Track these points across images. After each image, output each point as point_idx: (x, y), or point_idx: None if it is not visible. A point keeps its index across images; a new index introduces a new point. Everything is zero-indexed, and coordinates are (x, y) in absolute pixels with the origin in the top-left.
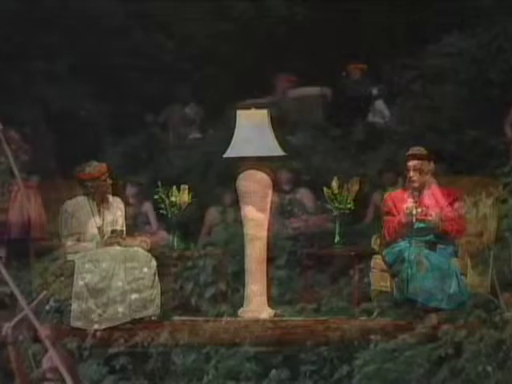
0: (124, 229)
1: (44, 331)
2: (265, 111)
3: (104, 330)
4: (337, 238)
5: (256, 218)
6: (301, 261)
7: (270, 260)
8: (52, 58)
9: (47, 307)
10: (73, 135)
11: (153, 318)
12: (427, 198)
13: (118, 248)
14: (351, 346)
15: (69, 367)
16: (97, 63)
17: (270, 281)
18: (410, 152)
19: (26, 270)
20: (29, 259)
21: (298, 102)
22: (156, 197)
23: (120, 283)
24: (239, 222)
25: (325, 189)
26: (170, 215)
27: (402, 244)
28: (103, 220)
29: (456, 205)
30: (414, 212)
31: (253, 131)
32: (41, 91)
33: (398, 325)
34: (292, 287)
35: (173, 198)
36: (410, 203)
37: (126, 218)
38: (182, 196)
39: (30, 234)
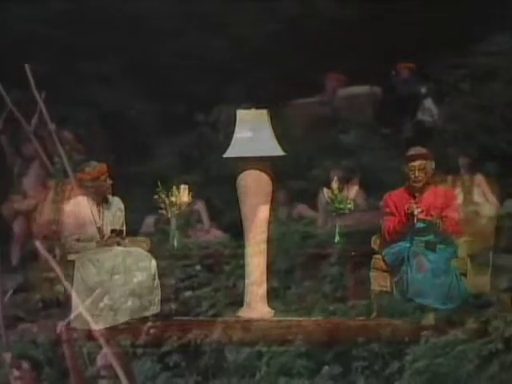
0: (124, 229)
1: (98, 329)
2: (265, 111)
3: (157, 327)
4: (337, 238)
5: (256, 218)
6: (351, 258)
7: (323, 257)
8: (104, 58)
9: (101, 305)
10: (125, 135)
11: (152, 318)
12: (428, 198)
13: (117, 248)
14: (402, 342)
15: (123, 365)
16: (148, 64)
17: (269, 280)
18: (413, 152)
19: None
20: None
21: (347, 100)
22: (156, 197)
23: (120, 283)
24: (291, 219)
25: (325, 189)
26: (169, 215)
27: (402, 244)
28: (103, 220)
29: (454, 205)
30: (415, 212)
31: (253, 131)
32: (93, 92)
33: (449, 320)
34: (343, 284)
35: (173, 198)
36: (410, 203)
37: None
38: (181, 196)
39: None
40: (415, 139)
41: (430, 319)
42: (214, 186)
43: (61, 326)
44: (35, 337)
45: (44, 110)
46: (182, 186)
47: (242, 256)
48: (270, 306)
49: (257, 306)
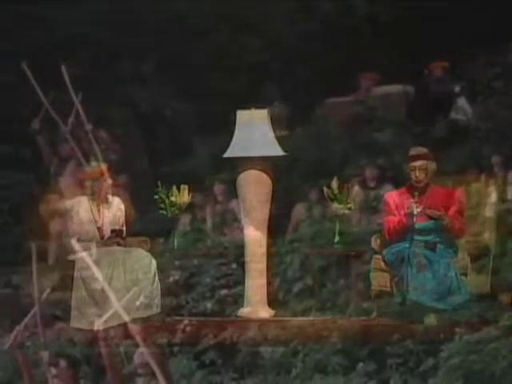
0: (124, 229)
1: (135, 327)
2: (265, 111)
3: (193, 325)
4: (337, 238)
5: (256, 218)
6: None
7: (357, 255)
8: (140, 59)
9: (137, 303)
10: (160, 135)
11: (152, 318)
12: (429, 198)
13: (118, 248)
14: (436, 339)
15: (159, 362)
16: (184, 64)
17: (269, 280)
18: (415, 152)
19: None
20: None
21: (381, 99)
22: (156, 197)
23: (120, 283)
24: (326, 217)
25: (325, 189)
26: (169, 215)
27: (402, 244)
28: (103, 220)
29: (457, 205)
30: (415, 212)
31: (253, 131)
32: (129, 92)
33: (483, 317)
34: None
35: (173, 198)
36: (411, 203)
37: (213, 216)
38: (181, 196)
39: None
40: (448, 138)
41: (431, 319)
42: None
43: (97, 324)
44: (72, 335)
45: (80, 110)
46: (182, 186)
47: (276, 254)
48: (303, 304)
49: (257, 306)
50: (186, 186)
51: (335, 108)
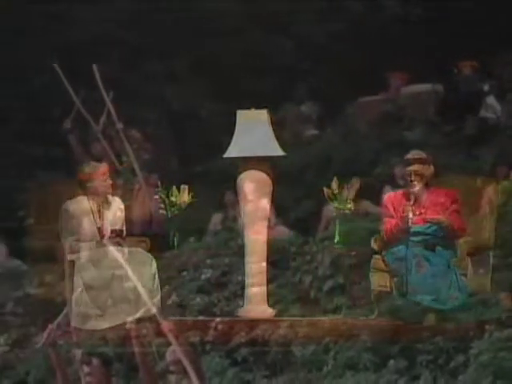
0: (124, 229)
1: (167, 325)
2: (265, 111)
3: (225, 323)
4: (337, 238)
5: (256, 218)
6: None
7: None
8: (171, 58)
9: (170, 301)
10: (192, 134)
11: (152, 318)
12: (426, 200)
13: (117, 248)
14: (466, 336)
15: (192, 360)
16: (215, 63)
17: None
18: (410, 156)
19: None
20: (151, 254)
21: (410, 98)
22: (156, 196)
23: (120, 283)
24: (357, 216)
25: (325, 189)
26: (169, 215)
27: (401, 245)
28: (103, 220)
29: (455, 205)
30: (410, 215)
31: (253, 131)
32: (161, 91)
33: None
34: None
35: (173, 198)
36: (406, 206)
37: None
38: (181, 196)
39: (151, 230)
40: (478, 136)
41: (430, 319)
42: (279, 183)
43: (130, 322)
44: (105, 333)
45: (112, 110)
46: (182, 186)
47: (307, 252)
48: (335, 301)
49: (257, 306)
50: (186, 186)
51: (365, 107)
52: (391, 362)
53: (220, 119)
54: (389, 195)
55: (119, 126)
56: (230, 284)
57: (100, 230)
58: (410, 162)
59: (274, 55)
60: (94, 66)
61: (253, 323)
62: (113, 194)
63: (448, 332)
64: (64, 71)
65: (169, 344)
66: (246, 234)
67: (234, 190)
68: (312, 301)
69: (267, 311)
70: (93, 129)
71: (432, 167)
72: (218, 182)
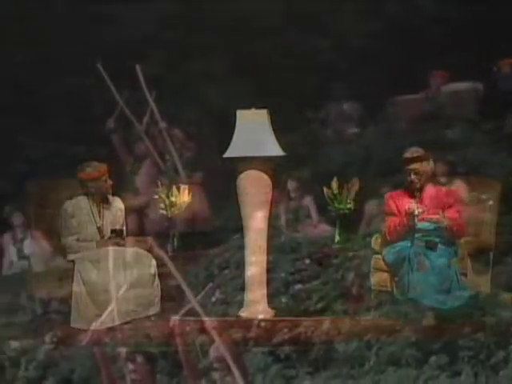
0: (124, 229)
1: (211, 323)
2: (265, 111)
3: (268, 320)
4: (337, 238)
5: (256, 218)
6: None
7: (430, 248)
8: (213, 58)
9: (213, 299)
10: (233, 132)
11: (152, 318)
12: (428, 198)
13: (117, 248)
14: (507, 332)
15: (235, 357)
16: (257, 62)
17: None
18: (409, 155)
19: (193, 263)
20: (195, 252)
21: (450, 97)
22: (156, 196)
23: (120, 283)
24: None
25: (325, 189)
26: (169, 215)
27: (403, 244)
28: (103, 220)
29: (456, 205)
30: (416, 212)
31: (253, 131)
32: (203, 91)
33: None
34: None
35: (173, 198)
36: (411, 203)
37: (286, 212)
38: (181, 196)
39: (195, 228)
40: None
41: (430, 319)
42: (322, 182)
43: (174, 319)
44: (149, 331)
45: (155, 109)
46: (182, 186)
47: (349, 249)
48: (376, 298)
49: (257, 306)
50: (186, 186)
51: (406, 106)
52: (433, 357)
53: None
54: (390, 194)
55: (162, 125)
56: (273, 281)
57: (100, 229)
58: (407, 161)
59: (314, 55)
60: (137, 67)
61: (296, 321)
62: (113, 194)
63: (489, 328)
64: (107, 71)
65: (212, 341)
66: (246, 235)
67: (277, 188)
68: (355, 297)
69: (267, 311)
70: (136, 128)
71: (432, 163)
72: (261, 181)
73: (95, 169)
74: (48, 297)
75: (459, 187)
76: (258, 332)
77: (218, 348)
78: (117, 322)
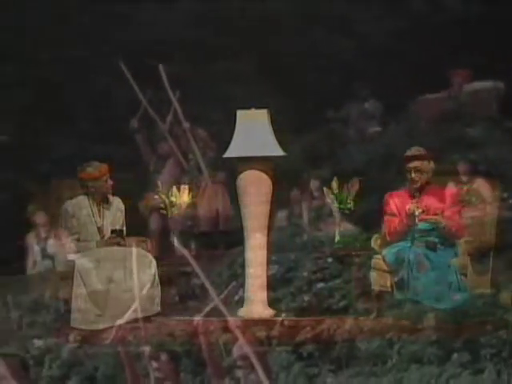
0: (124, 229)
1: (234, 321)
2: (265, 111)
3: (291, 318)
4: (337, 238)
5: (256, 219)
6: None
7: (450, 247)
8: (236, 58)
9: (236, 297)
10: None
11: (152, 318)
12: (428, 198)
13: (118, 248)
14: None
15: (258, 355)
16: (280, 62)
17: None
18: (410, 153)
19: (216, 261)
20: (218, 251)
21: (472, 95)
22: (156, 196)
23: (120, 283)
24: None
25: (325, 188)
26: (169, 215)
27: (402, 244)
28: (103, 220)
29: (456, 205)
30: (416, 213)
31: (253, 131)
32: (226, 90)
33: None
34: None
35: (173, 198)
36: (411, 204)
37: (309, 211)
38: (181, 196)
39: (218, 227)
40: None
41: (430, 319)
42: (344, 180)
43: (197, 318)
44: (172, 329)
45: (178, 109)
46: (182, 186)
47: (371, 248)
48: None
49: (257, 306)
50: (186, 186)
51: (427, 104)
52: (455, 355)
53: (285, 117)
54: (390, 194)
55: (186, 125)
56: (295, 280)
57: (100, 229)
58: (408, 159)
59: (337, 54)
60: (161, 66)
61: (319, 319)
62: (113, 194)
63: (511, 325)
64: (131, 71)
65: (235, 340)
66: (246, 235)
67: (299, 187)
68: (376, 295)
69: (267, 311)
70: (160, 128)
71: (432, 164)
72: (283, 179)
73: (96, 169)
74: (71, 296)
75: (480, 186)
76: (281, 330)
77: (242, 346)
78: (116, 322)
